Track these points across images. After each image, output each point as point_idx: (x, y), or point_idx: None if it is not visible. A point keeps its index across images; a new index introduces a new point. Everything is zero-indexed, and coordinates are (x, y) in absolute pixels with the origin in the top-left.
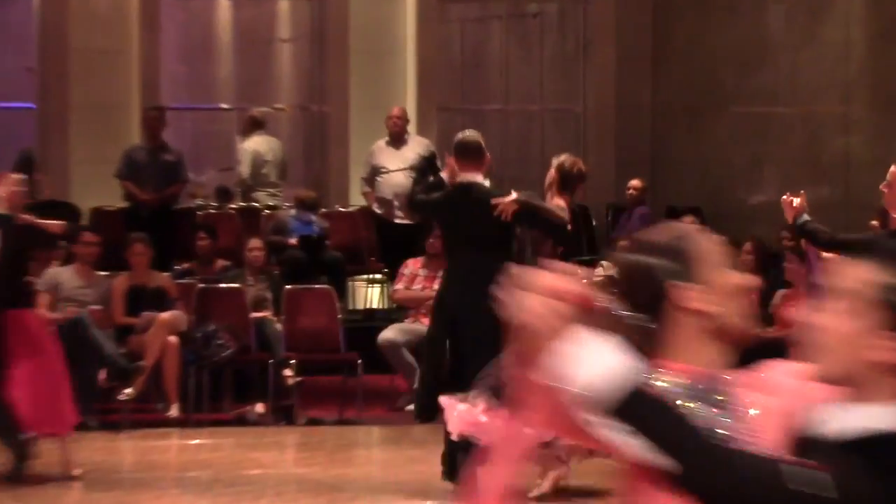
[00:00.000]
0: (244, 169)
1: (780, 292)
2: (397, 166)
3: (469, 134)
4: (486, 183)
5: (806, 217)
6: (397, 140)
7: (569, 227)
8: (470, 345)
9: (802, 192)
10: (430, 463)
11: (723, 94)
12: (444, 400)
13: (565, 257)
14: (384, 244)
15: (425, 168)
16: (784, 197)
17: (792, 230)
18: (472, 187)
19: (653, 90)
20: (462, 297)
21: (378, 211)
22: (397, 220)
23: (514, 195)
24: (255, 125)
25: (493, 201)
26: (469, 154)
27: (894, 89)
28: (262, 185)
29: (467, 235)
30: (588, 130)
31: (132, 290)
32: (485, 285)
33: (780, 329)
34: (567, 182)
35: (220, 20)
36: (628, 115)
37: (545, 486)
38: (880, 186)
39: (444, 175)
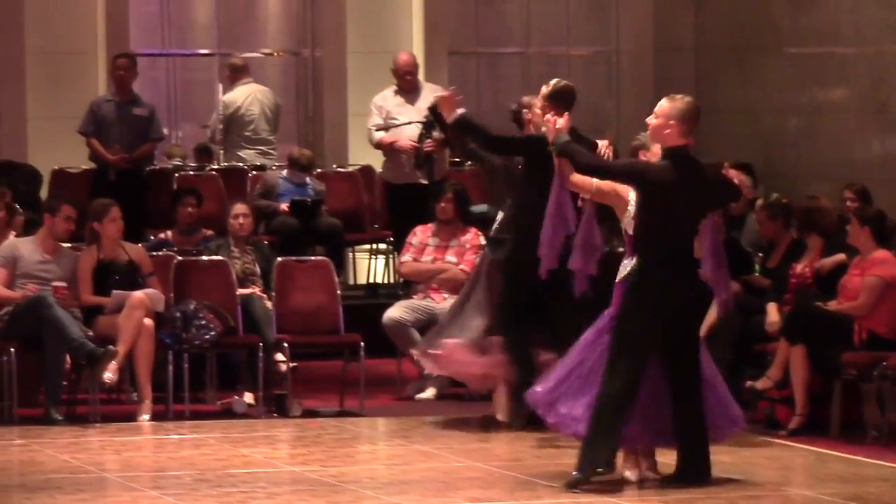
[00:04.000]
0: (216, 124)
1: (834, 258)
2: (410, 119)
3: (564, 81)
4: None
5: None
6: (409, 90)
7: None
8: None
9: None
10: (443, 459)
11: (776, 32)
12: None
13: None
14: (392, 209)
15: (433, 122)
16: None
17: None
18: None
19: (696, 29)
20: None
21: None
22: (407, 181)
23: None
24: (239, 73)
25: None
26: (571, 102)
27: None
28: (250, 142)
29: None
30: (622, 76)
31: (101, 264)
32: None
33: (842, 302)
34: None
35: None
36: (668, 58)
37: None
38: None
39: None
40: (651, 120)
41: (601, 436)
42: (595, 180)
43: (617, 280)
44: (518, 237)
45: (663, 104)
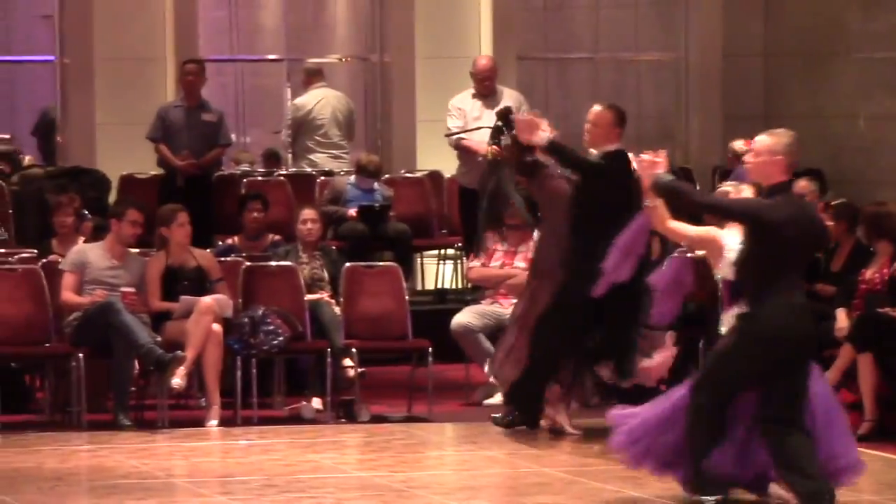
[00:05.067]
0: (291, 129)
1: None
2: (488, 123)
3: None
4: None
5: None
6: (487, 95)
7: None
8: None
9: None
10: (510, 464)
11: (846, 37)
12: None
13: None
14: (464, 212)
15: (502, 128)
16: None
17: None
18: None
19: (765, 35)
20: None
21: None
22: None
23: None
24: (312, 77)
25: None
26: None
27: None
28: (321, 146)
29: None
30: (690, 83)
31: (169, 270)
32: None
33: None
34: None
35: None
36: (737, 65)
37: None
38: None
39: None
40: (750, 157)
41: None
42: (692, 230)
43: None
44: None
45: (765, 140)
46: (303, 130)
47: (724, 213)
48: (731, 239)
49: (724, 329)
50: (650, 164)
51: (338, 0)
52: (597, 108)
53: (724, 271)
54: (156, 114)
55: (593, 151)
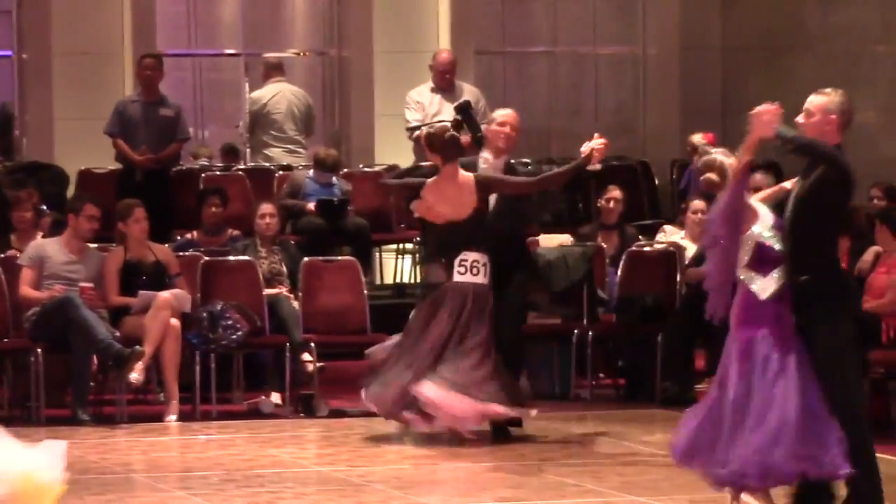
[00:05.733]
0: (248, 122)
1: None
2: (448, 117)
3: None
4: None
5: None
6: (446, 89)
7: None
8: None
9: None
10: (471, 458)
11: (805, 31)
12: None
13: None
14: None
15: (461, 122)
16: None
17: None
18: None
19: (723, 28)
20: None
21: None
22: None
23: None
24: (271, 71)
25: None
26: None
27: None
28: (277, 140)
29: None
30: (648, 76)
31: (127, 265)
32: None
33: (868, 300)
34: None
35: None
36: (695, 58)
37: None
38: None
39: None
40: (801, 118)
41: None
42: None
43: (764, 297)
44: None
45: (817, 100)
46: (259, 125)
47: (822, 157)
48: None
49: (765, 292)
50: (772, 116)
51: None
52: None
53: (764, 235)
54: (114, 108)
55: None
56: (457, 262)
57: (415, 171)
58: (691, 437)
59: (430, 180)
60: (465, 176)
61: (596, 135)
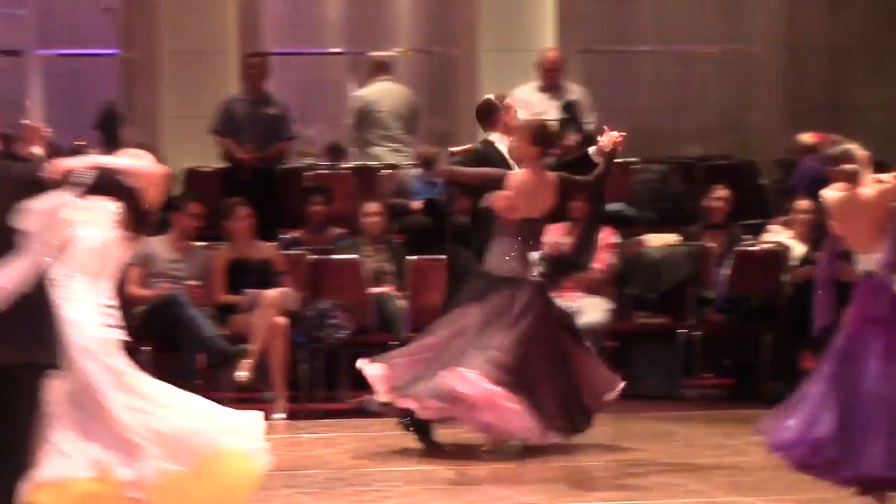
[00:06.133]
0: (353, 121)
1: None
2: (556, 118)
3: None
4: None
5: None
6: (551, 87)
7: None
8: None
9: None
10: (579, 456)
11: None
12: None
13: None
14: None
15: (569, 120)
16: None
17: None
18: None
19: (830, 27)
20: None
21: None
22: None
23: None
24: (378, 70)
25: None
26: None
27: None
28: (381, 139)
29: None
30: (754, 75)
31: (234, 263)
32: None
33: None
34: None
35: None
36: (801, 57)
37: None
38: None
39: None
40: None
41: None
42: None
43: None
44: None
45: None
46: (364, 123)
47: None
48: None
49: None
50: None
51: None
52: None
53: None
54: (220, 107)
55: None
56: (532, 258)
57: (470, 162)
58: (808, 434)
59: (513, 172)
60: (550, 174)
61: (607, 130)
